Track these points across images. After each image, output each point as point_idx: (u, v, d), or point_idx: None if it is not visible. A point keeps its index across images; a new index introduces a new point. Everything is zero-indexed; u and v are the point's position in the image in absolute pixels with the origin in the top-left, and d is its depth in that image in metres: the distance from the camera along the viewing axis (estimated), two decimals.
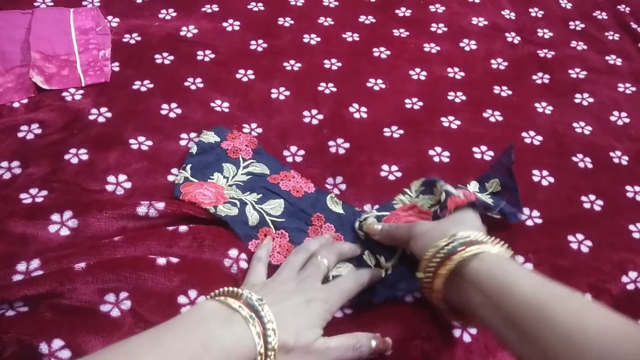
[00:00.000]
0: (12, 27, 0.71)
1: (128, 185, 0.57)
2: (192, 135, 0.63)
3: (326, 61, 0.76)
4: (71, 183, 0.56)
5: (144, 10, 0.80)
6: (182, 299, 0.47)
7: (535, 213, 0.60)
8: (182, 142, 0.62)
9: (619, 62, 0.81)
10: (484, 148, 0.66)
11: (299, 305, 0.44)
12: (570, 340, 0.34)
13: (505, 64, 0.80)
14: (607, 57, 0.82)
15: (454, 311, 0.46)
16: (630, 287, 0.54)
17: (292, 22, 0.82)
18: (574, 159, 0.67)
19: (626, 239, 0.59)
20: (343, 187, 0.61)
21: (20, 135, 0.61)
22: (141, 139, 0.62)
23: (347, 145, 0.65)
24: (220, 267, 0.51)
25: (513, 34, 0.85)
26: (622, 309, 0.52)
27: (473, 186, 0.60)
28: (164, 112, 0.66)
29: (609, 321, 0.35)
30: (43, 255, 0.48)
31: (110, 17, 0.77)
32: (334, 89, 0.72)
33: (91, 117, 0.64)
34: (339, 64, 0.76)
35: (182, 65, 0.72)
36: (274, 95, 0.70)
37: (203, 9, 0.81)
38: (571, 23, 0.88)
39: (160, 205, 0.53)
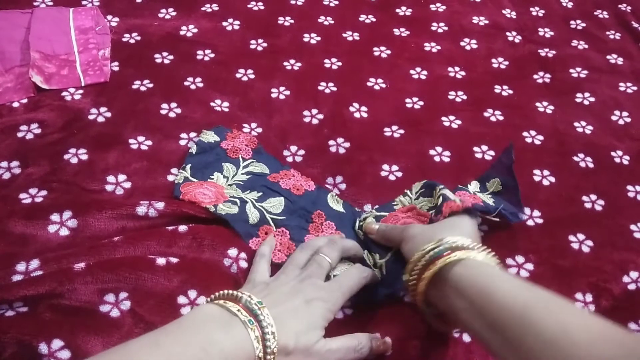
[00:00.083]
0: (12, 27, 0.71)
1: (128, 185, 0.57)
2: (192, 135, 0.63)
3: (326, 60, 0.76)
4: (71, 183, 0.56)
5: (143, 10, 0.79)
6: (181, 299, 0.47)
7: (536, 213, 0.60)
8: (182, 142, 0.62)
9: (620, 61, 0.81)
10: (484, 148, 0.66)
11: (299, 307, 0.43)
12: (555, 347, 0.34)
13: (506, 63, 0.79)
14: (608, 57, 0.82)
15: (437, 315, 0.46)
16: (632, 287, 0.54)
17: (292, 21, 0.82)
18: (575, 158, 0.66)
19: (627, 238, 0.58)
20: (343, 186, 0.61)
21: (19, 135, 0.61)
22: (141, 138, 0.62)
23: (347, 144, 0.65)
24: (220, 266, 0.51)
25: (514, 33, 0.85)
26: (623, 309, 0.53)
27: (474, 186, 0.60)
28: (163, 112, 0.66)
29: (593, 325, 0.35)
30: (42, 255, 0.48)
31: (109, 17, 0.77)
32: (334, 89, 0.72)
33: (91, 117, 0.64)
34: (339, 64, 0.76)
35: (182, 65, 0.72)
36: (274, 95, 0.70)
37: (203, 9, 0.81)
38: (572, 22, 0.88)
39: (160, 205, 0.53)
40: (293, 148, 0.64)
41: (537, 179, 0.63)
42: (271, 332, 0.40)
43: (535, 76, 0.78)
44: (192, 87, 0.70)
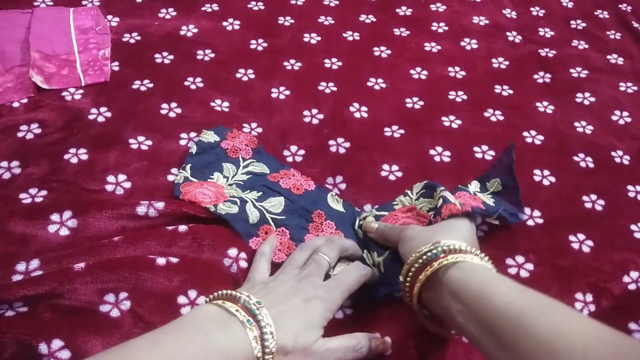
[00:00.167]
0: (12, 27, 0.71)
1: (128, 185, 0.57)
2: (192, 134, 0.63)
3: (326, 60, 0.76)
4: (71, 183, 0.56)
5: (143, 10, 0.79)
6: (181, 299, 0.47)
7: (537, 213, 0.60)
8: (182, 142, 0.62)
9: (620, 61, 0.81)
10: (485, 147, 0.66)
11: (298, 306, 0.43)
12: (550, 350, 0.34)
13: (507, 63, 0.79)
14: (608, 56, 0.82)
15: (432, 317, 0.46)
16: (632, 287, 0.54)
17: (292, 21, 0.82)
18: (575, 158, 0.66)
19: (627, 238, 0.58)
20: (343, 186, 0.61)
21: (19, 135, 0.61)
22: (141, 138, 0.62)
23: (347, 144, 0.65)
24: (220, 266, 0.51)
25: (514, 33, 0.85)
26: (623, 309, 0.53)
27: (474, 186, 0.60)
28: (163, 112, 0.66)
29: (589, 329, 0.35)
30: (42, 255, 0.48)
31: (110, 17, 0.77)
32: (334, 89, 0.72)
33: (91, 117, 0.64)
34: (340, 64, 0.76)
35: (182, 65, 0.72)
36: (274, 95, 0.70)
37: (203, 8, 0.81)
38: (572, 22, 0.88)
39: (160, 205, 0.53)
40: (293, 148, 0.64)
41: (537, 179, 0.63)
42: (269, 332, 0.40)
43: (535, 76, 0.78)
44: (192, 87, 0.70)
